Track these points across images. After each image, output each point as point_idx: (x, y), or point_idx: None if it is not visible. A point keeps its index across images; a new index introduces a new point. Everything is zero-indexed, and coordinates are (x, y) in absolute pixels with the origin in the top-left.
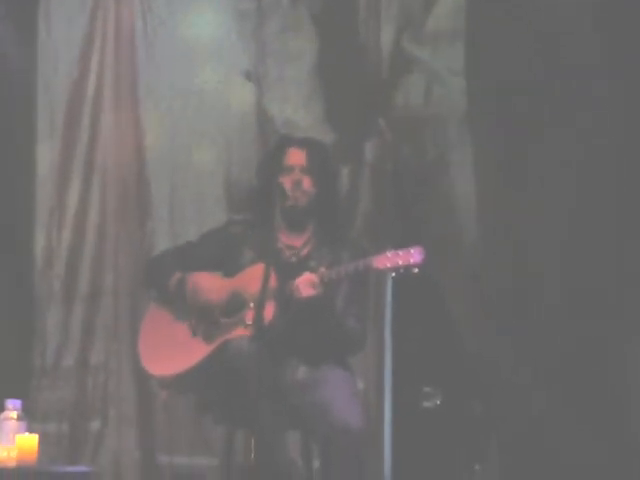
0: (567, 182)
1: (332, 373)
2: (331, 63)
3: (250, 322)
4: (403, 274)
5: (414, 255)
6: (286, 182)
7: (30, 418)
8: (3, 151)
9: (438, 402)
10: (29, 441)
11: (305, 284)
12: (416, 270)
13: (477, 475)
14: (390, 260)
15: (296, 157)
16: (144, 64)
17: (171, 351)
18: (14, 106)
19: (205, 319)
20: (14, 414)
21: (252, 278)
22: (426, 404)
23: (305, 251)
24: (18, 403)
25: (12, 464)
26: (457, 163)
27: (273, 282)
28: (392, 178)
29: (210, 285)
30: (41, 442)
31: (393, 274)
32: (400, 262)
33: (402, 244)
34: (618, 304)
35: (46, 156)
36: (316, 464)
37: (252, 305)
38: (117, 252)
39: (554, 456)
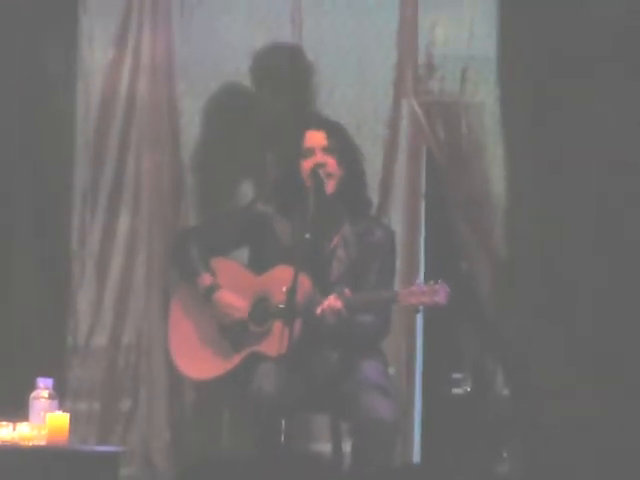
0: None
1: (364, 362)
2: None
3: (283, 306)
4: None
5: (439, 293)
6: (308, 165)
7: (61, 397)
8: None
9: (468, 389)
10: (60, 420)
11: (330, 312)
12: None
13: (505, 462)
14: (415, 296)
15: (315, 138)
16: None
17: (200, 350)
18: (49, 87)
19: (230, 329)
20: (45, 393)
21: (278, 281)
22: (456, 390)
23: (335, 242)
24: (49, 382)
25: (42, 443)
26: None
27: (305, 283)
28: (426, 163)
29: (235, 301)
30: (72, 421)
31: (420, 309)
32: (425, 300)
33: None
34: None
35: (81, 138)
36: (346, 447)
37: (284, 289)
38: (151, 233)
39: (582, 443)
